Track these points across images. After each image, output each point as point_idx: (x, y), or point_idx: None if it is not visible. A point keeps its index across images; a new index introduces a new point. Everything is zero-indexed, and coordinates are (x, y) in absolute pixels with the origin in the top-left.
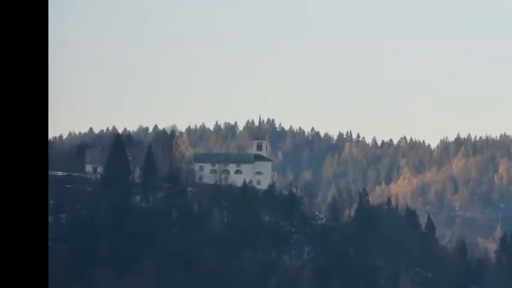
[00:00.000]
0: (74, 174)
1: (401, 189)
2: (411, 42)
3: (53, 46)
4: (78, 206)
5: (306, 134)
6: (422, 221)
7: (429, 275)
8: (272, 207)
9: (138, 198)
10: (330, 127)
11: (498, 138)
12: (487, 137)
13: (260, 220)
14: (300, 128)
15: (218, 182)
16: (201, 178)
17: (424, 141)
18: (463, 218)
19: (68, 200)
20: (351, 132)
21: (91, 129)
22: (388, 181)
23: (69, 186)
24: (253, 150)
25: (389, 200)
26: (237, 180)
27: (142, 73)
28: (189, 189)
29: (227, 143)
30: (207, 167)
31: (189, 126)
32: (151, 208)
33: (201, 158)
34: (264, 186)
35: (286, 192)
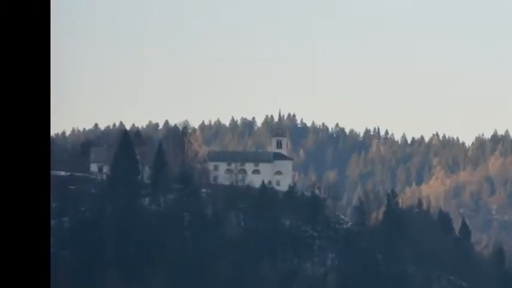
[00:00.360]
0: (78, 174)
1: (434, 190)
2: (444, 32)
3: (56, 37)
4: (83, 209)
5: (330, 130)
6: (456, 225)
7: (464, 283)
8: (293, 210)
9: (147, 200)
10: (356, 123)
11: None
12: None
13: (280, 224)
14: (323, 124)
15: (234, 183)
16: (215, 178)
17: (458, 139)
18: (500, 221)
19: (71, 202)
20: (378, 129)
21: (96, 125)
22: (419, 182)
23: (73, 187)
24: (272, 148)
25: (420, 202)
26: (255, 180)
27: (152, 64)
28: (203, 190)
29: (244, 141)
30: (223, 167)
31: (203, 122)
32: (161, 211)
33: (215, 157)
34: (284, 187)
35: (308, 193)
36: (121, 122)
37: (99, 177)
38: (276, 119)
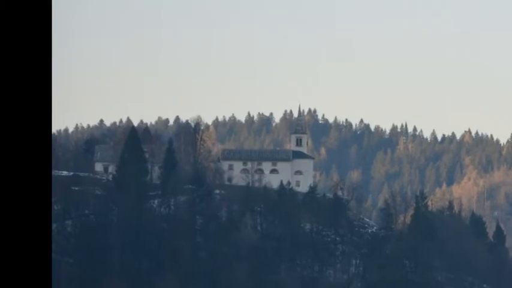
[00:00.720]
0: (82, 174)
1: (466, 191)
2: (474, 25)
3: (57, 30)
4: (87, 212)
5: (354, 127)
6: (490, 229)
7: None
8: (314, 213)
9: (156, 202)
10: (382, 119)
11: None
12: None
13: (300, 228)
14: (346, 120)
15: (250, 184)
16: (230, 179)
17: (491, 136)
18: None
19: (74, 204)
20: (406, 125)
21: (101, 121)
22: (450, 182)
23: (76, 188)
24: (291, 146)
25: (451, 204)
26: (273, 181)
27: (161, 56)
28: (217, 191)
29: (261, 138)
30: (238, 166)
31: (217, 118)
32: (172, 214)
33: (230, 155)
34: (304, 188)
35: (330, 195)
36: (128, 118)
37: (104, 178)
38: (295, 114)
